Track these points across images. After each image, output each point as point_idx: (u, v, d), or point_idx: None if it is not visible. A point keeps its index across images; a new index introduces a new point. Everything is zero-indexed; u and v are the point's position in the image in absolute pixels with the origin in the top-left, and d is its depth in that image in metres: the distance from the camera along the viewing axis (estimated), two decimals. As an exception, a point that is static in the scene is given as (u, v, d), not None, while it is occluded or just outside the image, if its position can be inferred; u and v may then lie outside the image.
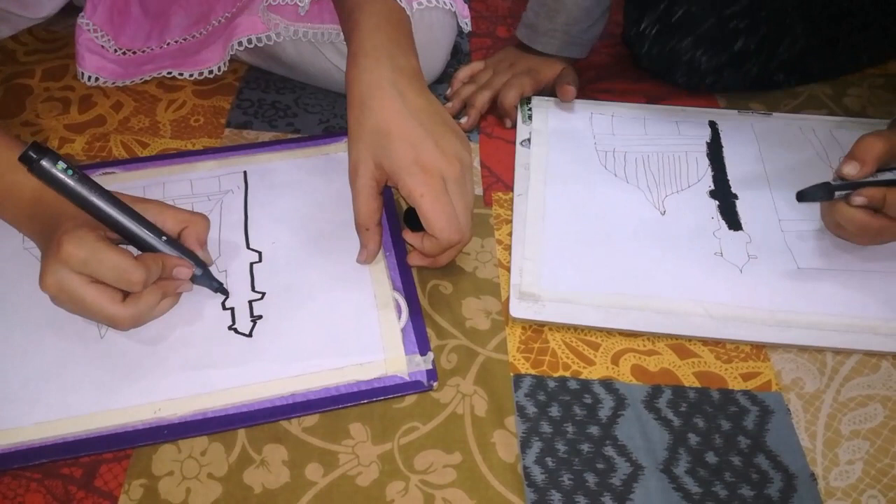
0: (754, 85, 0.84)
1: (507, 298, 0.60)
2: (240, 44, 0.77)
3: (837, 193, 0.59)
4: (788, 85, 0.85)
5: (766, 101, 0.83)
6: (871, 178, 0.58)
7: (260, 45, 0.77)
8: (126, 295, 0.53)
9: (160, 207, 0.57)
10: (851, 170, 0.58)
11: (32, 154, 0.51)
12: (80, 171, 0.53)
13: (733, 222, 0.66)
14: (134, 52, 0.85)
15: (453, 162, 0.55)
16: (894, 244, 0.62)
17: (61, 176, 0.52)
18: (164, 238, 0.55)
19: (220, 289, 0.59)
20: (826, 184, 0.60)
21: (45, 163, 0.51)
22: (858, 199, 0.59)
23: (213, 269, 0.60)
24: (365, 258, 0.61)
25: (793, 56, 0.81)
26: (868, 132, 0.59)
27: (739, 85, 0.83)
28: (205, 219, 0.59)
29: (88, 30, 0.83)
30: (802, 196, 0.60)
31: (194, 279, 0.57)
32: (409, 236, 0.60)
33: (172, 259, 0.55)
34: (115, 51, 0.84)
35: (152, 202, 0.57)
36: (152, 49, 0.85)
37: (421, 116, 0.56)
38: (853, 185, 0.59)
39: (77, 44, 0.82)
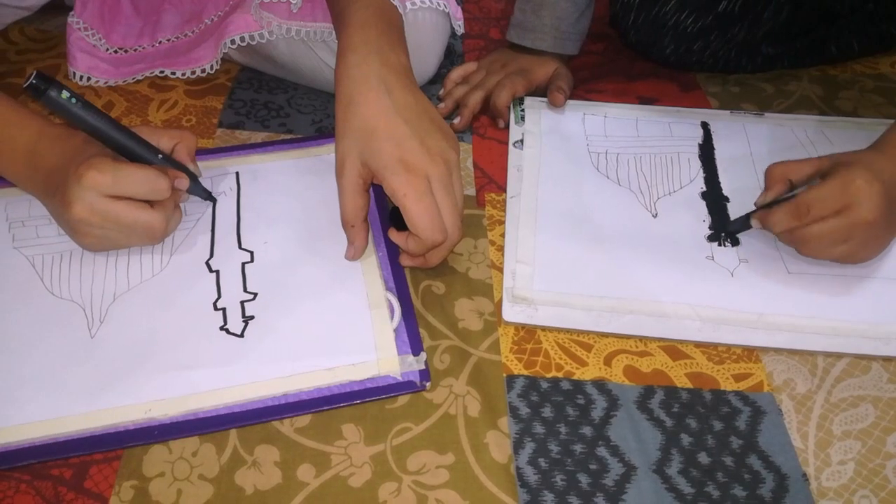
0: (743, 55, 0.84)
1: (500, 299, 0.60)
2: (232, 42, 0.77)
3: (753, 222, 0.63)
4: (780, 64, 0.86)
5: (758, 101, 0.83)
6: (785, 196, 0.61)
7: (252, 43, 0.77)
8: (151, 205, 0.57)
9: (152, 129, 0.62)
10: (759, 199, 0.63)
11: (39, 84, 0.54)
12: (81, 97, 0.56)
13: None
14: (125, 51, 0.85)
15: (438, 161, 0.55)
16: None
17: (66, 104, 0.55)
18: (160, 156, 0.60)
19: (209, 196, 0.65)
20: (746, 215, 0.64)
21: (51, 92, 0.54)
22: (755, 224, 0.62)
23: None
24: (352, 255, 0.60)
25: (778, 25, 0.82)
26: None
27: (728, 56, 0.83)
28: (192, 135, 0.64)
29: (79, 28, 0.82)
30: (729, 232, 0.65)
31: (188, 189, 0.62)
32: (395, 235, 0.60)
33: (172, 171, 0.59)
34: (107, 49, 0.84)
35: (144, 126, 0.64)
36: (144, 48, 0.85)
37: (408, 115, 0.56)
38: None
39: (68, 43, 0.82)
